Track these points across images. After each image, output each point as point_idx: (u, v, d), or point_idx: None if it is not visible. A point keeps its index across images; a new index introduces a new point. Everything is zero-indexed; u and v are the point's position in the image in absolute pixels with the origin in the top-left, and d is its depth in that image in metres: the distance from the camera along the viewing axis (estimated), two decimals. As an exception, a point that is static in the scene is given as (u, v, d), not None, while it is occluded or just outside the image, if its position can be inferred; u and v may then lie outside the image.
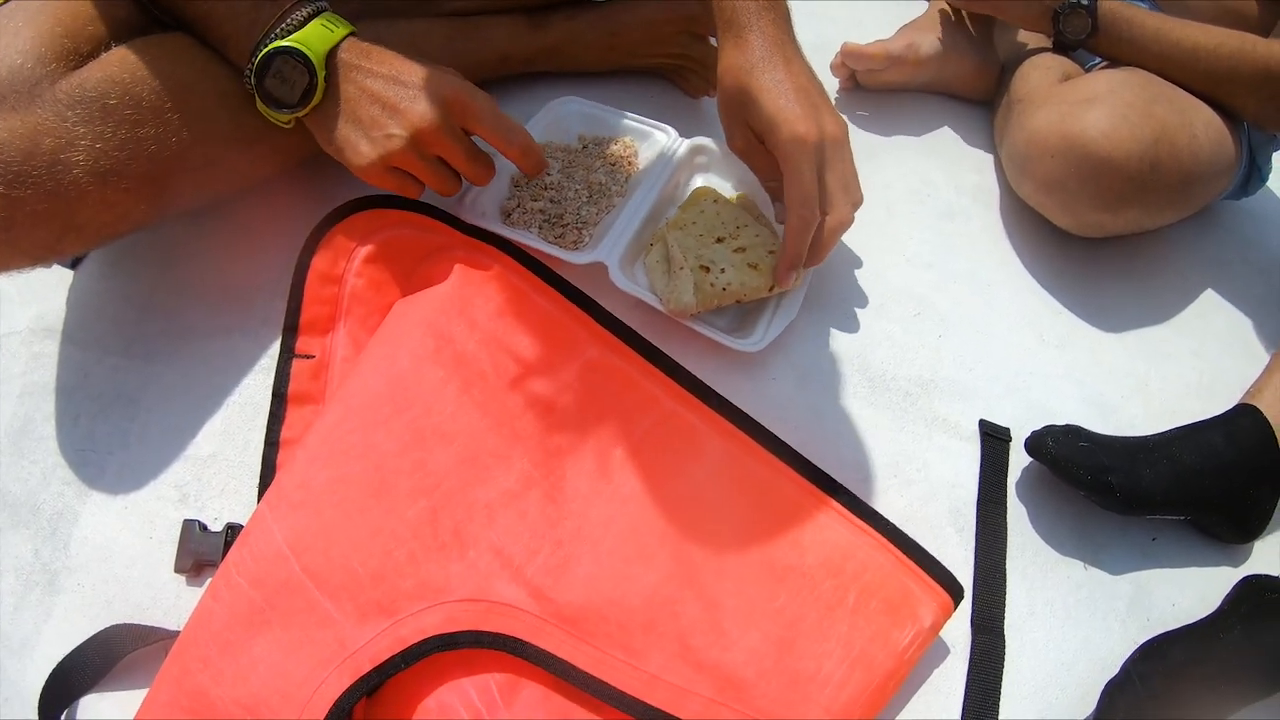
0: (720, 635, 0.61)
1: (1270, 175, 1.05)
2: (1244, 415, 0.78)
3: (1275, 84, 0.92)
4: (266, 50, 0.67)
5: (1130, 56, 0.98)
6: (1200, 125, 0.91)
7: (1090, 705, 0.68)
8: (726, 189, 0.88)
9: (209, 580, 0.65)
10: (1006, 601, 0.72)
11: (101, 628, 0.63)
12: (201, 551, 0.66)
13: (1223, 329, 0.97)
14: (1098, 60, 1.04)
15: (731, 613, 0.62)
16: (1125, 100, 0.87)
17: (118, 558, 0.67)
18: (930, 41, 1.09)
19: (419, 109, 0.67)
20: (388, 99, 0.68)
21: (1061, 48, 1.03)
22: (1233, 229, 1.08)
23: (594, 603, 0.61)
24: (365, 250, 0.73)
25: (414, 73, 0.69)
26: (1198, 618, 0.72)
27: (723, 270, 0.75)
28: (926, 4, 1.16)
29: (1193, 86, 0.95)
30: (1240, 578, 0.75)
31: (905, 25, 1.13)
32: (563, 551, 0.62)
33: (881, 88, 1.11)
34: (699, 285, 0.74)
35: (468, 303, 0.70)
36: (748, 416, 0.72)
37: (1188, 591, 0.75)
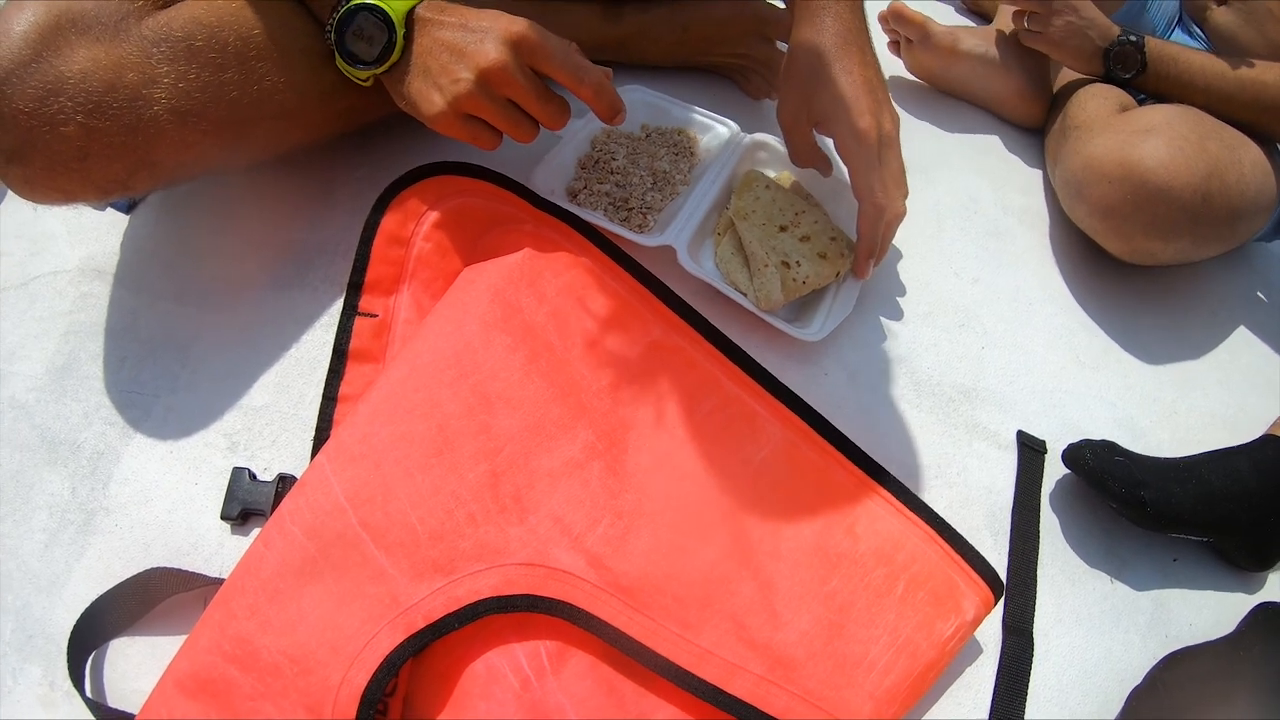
0: (773, 615, 0.62)
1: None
2: (1270, 446, 0.80)
3: None
4: (348, 7, 0.67)
5: (1177, 92, 1.01)
6: (1248, 163, 0.93)
7: (1110, 713, 0.69)
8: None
9: (255, 530, 0.65)
10: (1036, 606, 0.73)
11: (137, 571, 0.62)
12: (250, 500, 0.65)
13: (1249, 366, 0.99)
14: (1145, 96, 1.07)
15: (785, 594, 0.62)
16: (1181, 133, 0.90)
17: (159, 501, 0.66)
18: (974, 43, 1.13)
19: (486, 49, 0.66)
20: (456, 44, 0.67)
21: (1113, 84, 1.06)
22: (1263, 271, 1.12)
23: (652, 575, 0.61)
24: (434, 215, 0.73)
25: (483, 18, 0.68)
26: (1215, 638, 0.74)
27: (799, 264, 0.78)
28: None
29: (1238, 118, 0.98)
30: (1254, 605, 0.77)
31: (961, 27, 1.17)
32: (623, 523, 0.62)
33: (922, 74, 1.16)
34: (784, 281, 0.77)
35: (537, 275, 0.70)
36: (806, 404, 0.73)
37: (1204, 613, 0.77)
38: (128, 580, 0.61)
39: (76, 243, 0.79)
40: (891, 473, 0.73)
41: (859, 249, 0.79)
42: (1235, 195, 0.91)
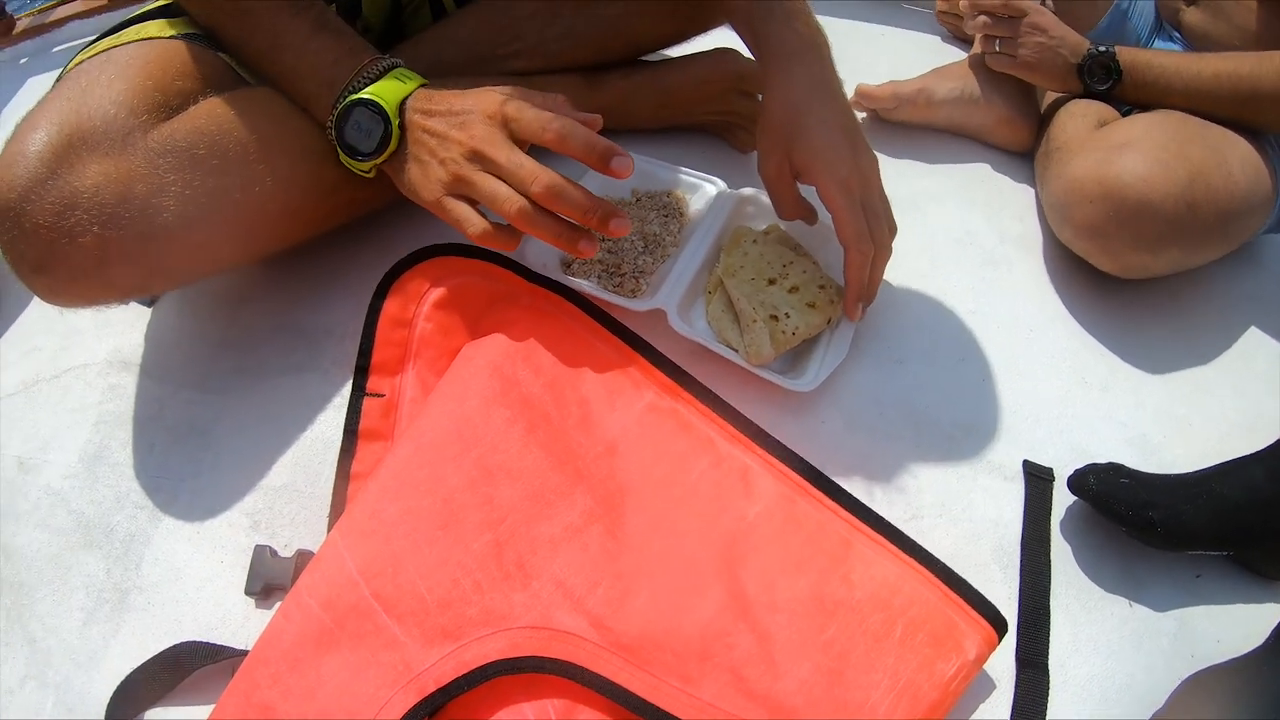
0: (772, 666, 0.63)
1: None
2: None
3: None
4: (346, 102, 0.71)
5: (1158, 97, 1.00)
6: (1236, 162, 0.92)
7: (1133, 742, 0.68)
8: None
9: (278, 604, 0.67)
10: (1051, 638, 0.73)
11: (169, 645, 0.65)
12: (272, 575, 0.68)
13: (1265, 367, 0.96)
14: (1131, 107, 1.06)
15: (783, 644, 0.64)
16: (1159, 143, 0.89)
17: (188, 579, 0.70)
18: (948, 88, 1.13)
19: (471, 130, 0.69)
20: (444, 130, 0.70)
21: (1091, 98, 1.06)
22: (1271, 265, 1.09)
23: (651, 633, 0.63)
24: (434, 296, 0.77)
25: (467, 99, 0.70)
26: (1242, 654, 0.71)
27: (788, 315, 0.80)
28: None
29: (1220, 113, 0.96)
30: None
31: (934, 69, 1.17)
32: (622, 584, 0.65)
33: (903, 123, 1.16)
34: (773, 335, 0.79)
35: (533, 348, 0.73)
36: (799, 458, 0.74)
37: (1233, 629, 0.75)
38: (160, 654, 0.65)
39: (104, 336, 0.84)
40: (894, 515, 0.74)
41: (847, 295, 0.80)
42: (1224, 197, 0.89)
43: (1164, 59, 1.00)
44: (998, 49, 1.09)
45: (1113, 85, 1.03)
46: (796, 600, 0.66)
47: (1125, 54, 1.02)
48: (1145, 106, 1.02)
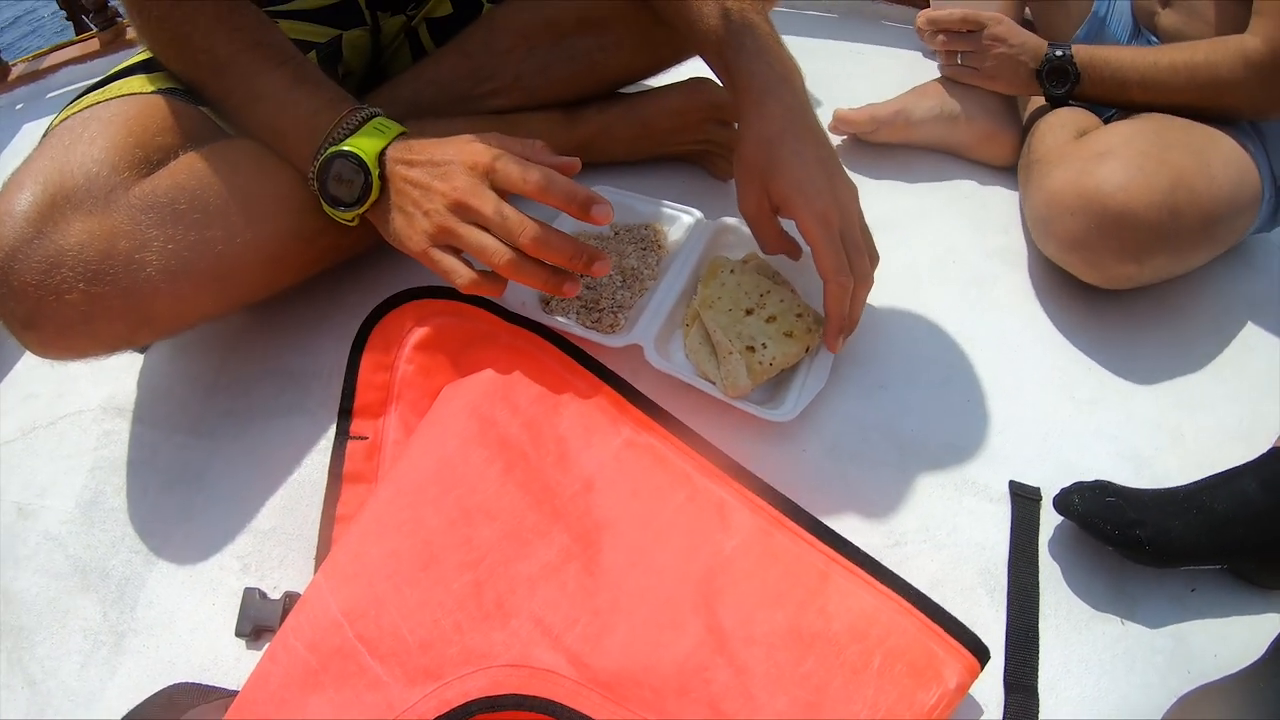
0: (749, 700, 0.64)
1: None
2: (1278, 460, 0.77)
3: (1255, 72, 0.92)
4: (326, 154, 0.72)
5: (1116, 95, 1.00)
6: (1219, 165, 0.90)
7: (1127, 763, 0.68)
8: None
9: (267, 644, 0.69)
10: (1040, 660, 0.72)
11: (164, 686, 0.67)
12: (261, 617, 0.69)
13: (1260, 370, 0.95)
14: (1114, 111, 1.06)
15: (761, 678, 0.65)
16: (1139, 150, 0.88)
17: (181, 622, 0.71)
18: (926, 106, 1.13)
19: (453, 181, 0.70)
20: (425, 180, 0.71)
21: (1054, 102, 1.05)
22: (1263, 265, 1.07)
23: (629, 668, 0.64)
24: (415, 338, 0.78)
25: (447, 149, 0.71)
26: (1241, 668, 0.70)
27: (764, 345, 0.80)
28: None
29: (1184, 103, 0.95)
30: None
31: (913, 89, 1.17)
32: (600, 620, 0.66)
33: (884, 143, 1.16)
34: (750, 366, 0.79)
35: (510, 387, 0.75)
36: (775, 491, 0.75)
37: (1230, 642, 0.74)
38: (155, 695, 0.66)
39: (98, 383, 0.86)
40: (877, 541, 0.74)
41: (828, 327, 0.80)
42: (1207, 201, 0.88)
43: (1120, 54, 1.00)
44: (960, 63, 1.10)
45: (1071, 87, 1.02)
46: (774, 633, 0.67)
47: (1082, 54, 1.01)
48: (1125, 110, 1.02)
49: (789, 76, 0.77)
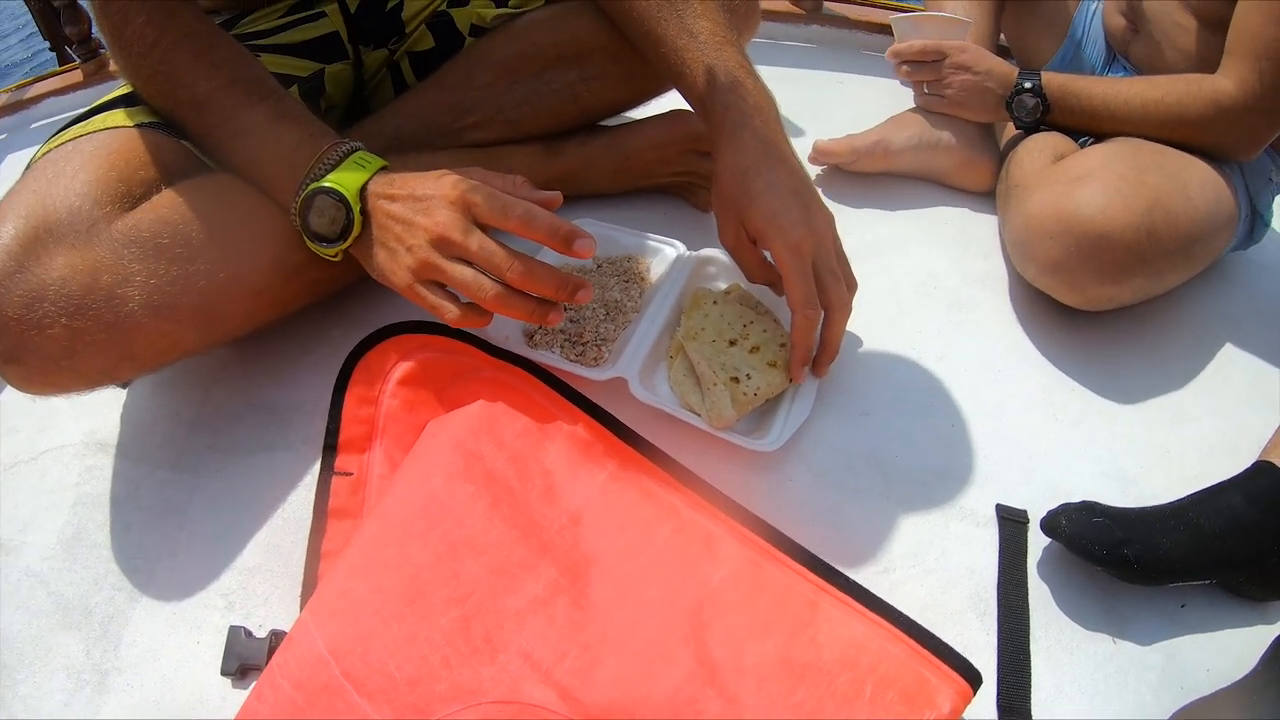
0: (740, 732, 0.64)
1: (1273, 220, 1.05)
2: (1263, 474, 0.78)
3: (1225, 115, 0.94)
4: (308, 190, 0.72)
5: (1087, 125, 1.02)
6: (1195, 185, 0.92)
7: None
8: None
9: (253, 683, 0.68)
10: (1033, 682, 0.72)
11: (149, 725, 0.66)
12: (246, 656, 0.69)
13: (1242, 385, 0.96)
14: (1090, 137, 1.07)
15: (752, 709, 0.64)
16: (1116, 173, 0.89)
17: (165, 660, 0.70)
18: (905, 135, 1.14)
19: (435, 217, 0.70)
20: (406, 216, 0.71)
21: (1024, 130, 1.07)
22: (1242, 282, 1.09)
23: (619, 702, 0.63)
24: (399, 373, 0.78)
25: (428, 184, 0.71)
26: (1234, 680, 0.71)
27: (749, 376, 0.81)
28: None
29: (1154, 136, 0.97)
30: (1277, 635, 0.73)
31: (891, 118, 1.18)
32: (589, 654, 0.65)
33: (865, 173, 1.17)
34: (734, 397, 0.79)
35: (495, 422, 0.75)
36: (762, 521, 0.75)
37: (1222, 655, 0.75)
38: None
39: (80, 418, 0.85)
40: (866, 568, 0.74)
41: (793, 358, 0.80)
42: (1185, 221, 0.89)
43: (1092, 87, 1.01)
44: (927, 91, 1.11)
45: (1041, 116, 1.04)
46: (764, 664, 0.67)
47: (1053, 84, 1.03)
48: (1100, 136, 1.03)
49: (762, 107, 0.78)
